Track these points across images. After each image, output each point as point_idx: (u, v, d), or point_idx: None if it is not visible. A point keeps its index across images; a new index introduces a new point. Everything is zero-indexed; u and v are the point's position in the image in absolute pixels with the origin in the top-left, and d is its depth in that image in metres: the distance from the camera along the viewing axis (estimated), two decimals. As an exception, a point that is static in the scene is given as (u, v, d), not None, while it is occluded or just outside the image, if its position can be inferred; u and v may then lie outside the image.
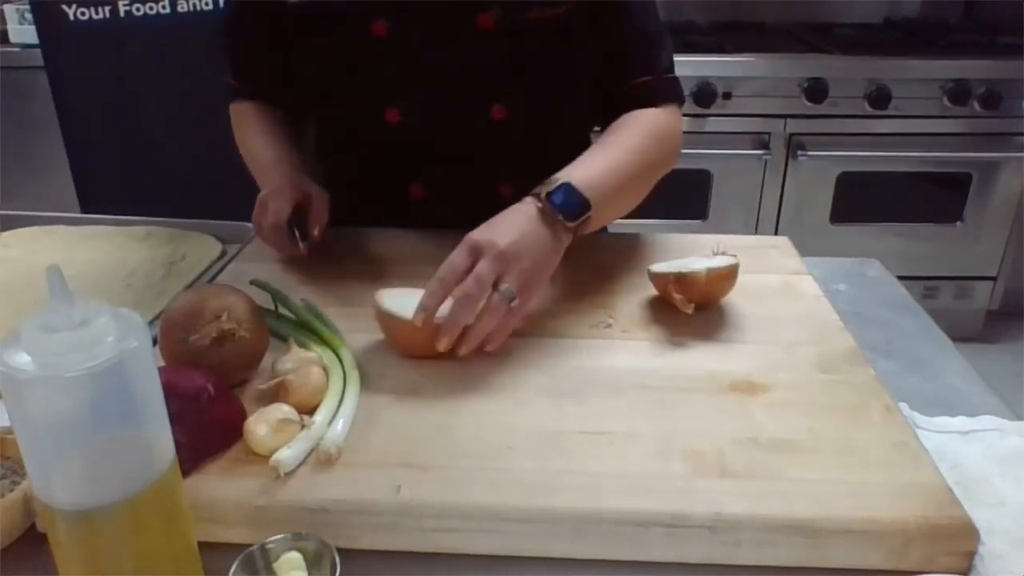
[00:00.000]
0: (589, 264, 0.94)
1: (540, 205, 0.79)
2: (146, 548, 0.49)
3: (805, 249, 1.01)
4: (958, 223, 2.41)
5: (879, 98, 2.23)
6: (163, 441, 0.49)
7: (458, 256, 0.75)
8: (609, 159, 0.88)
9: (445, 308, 0.73)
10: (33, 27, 1.75)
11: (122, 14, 1.62)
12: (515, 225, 0.77)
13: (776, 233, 2.31)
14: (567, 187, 0.80)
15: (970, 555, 0.56)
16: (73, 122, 1.71)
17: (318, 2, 0.96)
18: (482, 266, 0.73)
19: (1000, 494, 0.62)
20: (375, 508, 0.58)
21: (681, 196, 2.34)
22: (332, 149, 1.11)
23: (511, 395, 0.71)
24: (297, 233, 0.93)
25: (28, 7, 2.06)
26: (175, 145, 1.70)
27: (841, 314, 0.84)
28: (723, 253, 0.85)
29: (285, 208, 0.91)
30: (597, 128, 1.01)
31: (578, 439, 0.64)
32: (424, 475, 0.60)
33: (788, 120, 2.28)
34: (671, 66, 1.01)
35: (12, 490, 0.59)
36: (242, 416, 0.64)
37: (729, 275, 0.84)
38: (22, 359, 0.43)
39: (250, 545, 0.54)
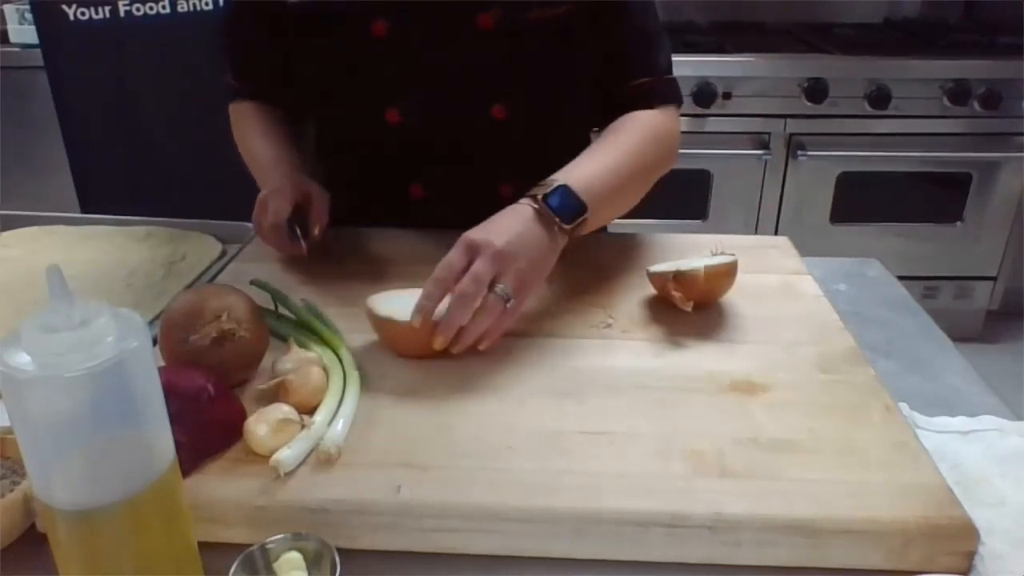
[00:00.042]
0: (588, 264, 0.94)
1: (536, 207, 0.79)
2: (146, 548, 0.49)
3: (805, 249, 1.01)
4: (958, 223, 2.41)
5: (879, 98, 2.23)
6: (163, 441, 0.49)
7: (455, 255, 0.75)
8: (606, 160, 0.88)
9: (441, 307, 0.74)
10: (33, 27, 1.75)
11: (122, 14, 1.62)
12: (511, 225, 0.77)
13: (776, 233, 2.31)
14: (563, 189, 0.80)
15: (970, 555, 0.56)
16: (73, 122, 1.71)
17: (318, 2, 0.96)
18: (479, 266, 0.73)
19: (1000, 494, 0.62)
20: (375, 508, 0.58)
21: (681, 196, 2.34)
22: (332, 149, 1.11)
23: (511, 395, 0.71)
24: (298, 232, 0.93)
25: (28, 7, 2.06)
26: (175, 145, 1.70)
27: (841, 314, 0.84)
28: (723, 253, 0.85)
29: (285, 208, 0.91)
30: (597, 128, 1.01)
31: (578, 439, 0.64)
32: (424, 475, 0.60)
33: (788, 120, 2.28)
34: (670, 67, 1.01)
35: (12, 490, 0.59)
36: (242, 416, 0.64)
37: (728, 273, 0.84)
38: (22, 359, 0.43)
39: (250, 545, 0.54)
